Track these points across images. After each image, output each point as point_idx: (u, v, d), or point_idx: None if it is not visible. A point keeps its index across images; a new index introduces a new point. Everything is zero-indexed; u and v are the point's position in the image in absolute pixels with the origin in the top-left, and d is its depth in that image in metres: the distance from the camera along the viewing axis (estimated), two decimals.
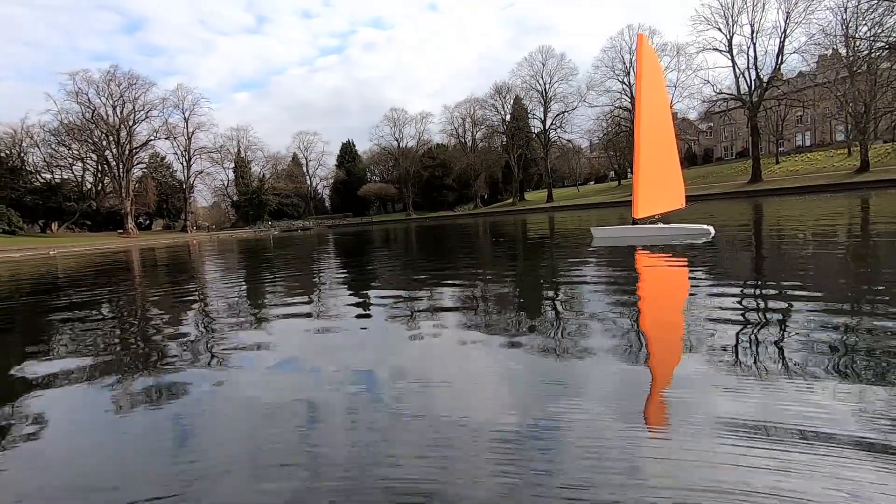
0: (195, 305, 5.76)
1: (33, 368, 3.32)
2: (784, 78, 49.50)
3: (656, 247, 8.03)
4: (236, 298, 6.20)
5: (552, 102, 66.99)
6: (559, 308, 4.03)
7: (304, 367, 2.96)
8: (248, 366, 3.04)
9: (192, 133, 72.68)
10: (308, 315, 4.57)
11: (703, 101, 54.47)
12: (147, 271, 12.86)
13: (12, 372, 3.31)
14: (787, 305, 3.43)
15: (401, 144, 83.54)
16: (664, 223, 10.34)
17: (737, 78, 49.31)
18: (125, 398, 2.56)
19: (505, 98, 70.67)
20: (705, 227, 9.22)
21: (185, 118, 71.77)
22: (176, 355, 3.35)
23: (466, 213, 71.67)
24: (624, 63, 57.20)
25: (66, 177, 67.62)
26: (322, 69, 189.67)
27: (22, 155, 64.20)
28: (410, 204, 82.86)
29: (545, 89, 66.47)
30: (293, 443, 1.90)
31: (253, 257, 15.38)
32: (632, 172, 10.79)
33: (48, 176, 66.43)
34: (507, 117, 71.35)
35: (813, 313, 3.17)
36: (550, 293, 4.77)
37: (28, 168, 64.65)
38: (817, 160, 48.67)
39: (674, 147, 11.05)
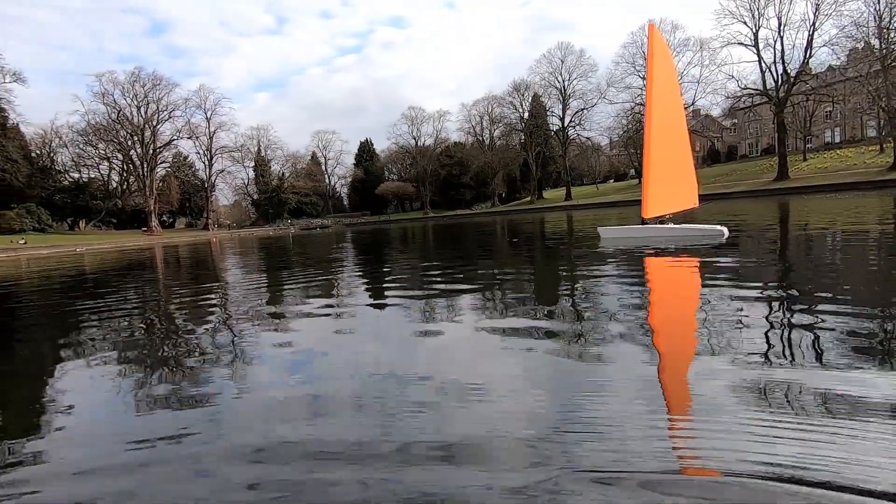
0: (216, 299, 5.76)
1: (64, 360, 3.35)
2: (813, 72, 48.02)
3: (668, 248, 7.72)
4: (257, 295, 6.19)
5: (571, 99, 66.40)
6: (572, 309, 3.89)
7: (324, 362, 2.95)
8: (268, 361, 3.02)
9: (214, 132, 74.03)
10: (327, 314, 4.52)
11: (728, 97, 53.26)
12: (170, 267, 13.06)
13: (45, 364, 3.34)
14: (811, 311, 3.22)
15: (418, 143, 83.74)
16: (675, 223, 9.92)
17: (763, 73, 48.03)
18: (153, 387, 2.53)
19: (523, 95, 70.24)
20: (718, 227, 8.72)
21: (206, 118, 73.20)
22: (200, 347, 3.34)
23: (484, 211, 71.48)
24: (644, 59, 56.23)
25: (93, 176, 69.72)
26: (341, 69, 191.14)
27: (51, 155, 66.29)
28: (428, 202, 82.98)
29: (564, 86, 65.88)
30: (308, 436, 1.83)
31: (273, 255, 15.51)
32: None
33: (76, 175, 68.55)
34: (526, 115, 70.91)
35: (844, 327, 2.96)
36: (564, 294, 4.63)
37: (57, 167, 66.72)
38: (847, 157, 47.10)
39: (686, 143, 10.51)
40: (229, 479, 1.62)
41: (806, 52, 45.07)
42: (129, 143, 66.94)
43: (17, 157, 55.48)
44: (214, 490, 1.57)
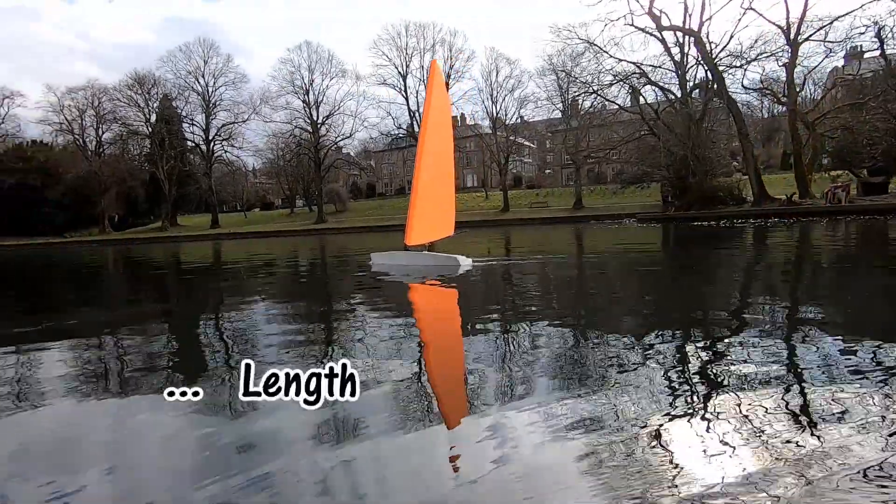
0: None
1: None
2: None
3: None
4: None
5: (218, 109, 55.82)
6: None
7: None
8: None
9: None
10: None
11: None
12: None
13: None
14: None
15: None
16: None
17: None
18: None
19: (150, 93, 54.95)
20: (458, 257, 9.10)
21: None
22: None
23: (87, 239, 51.23)
24: (303, 80, 52.80)
25: None
26: None
27: None
28: None
29: (208, 91, 54.79)
30: None
31: None
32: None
33: None
34: (153, 118, 55.50)
35: None
36: None
37: None
38: None
39: (452, 174, 10.83)
40: None
41: None
42: None
43: None
44: None
